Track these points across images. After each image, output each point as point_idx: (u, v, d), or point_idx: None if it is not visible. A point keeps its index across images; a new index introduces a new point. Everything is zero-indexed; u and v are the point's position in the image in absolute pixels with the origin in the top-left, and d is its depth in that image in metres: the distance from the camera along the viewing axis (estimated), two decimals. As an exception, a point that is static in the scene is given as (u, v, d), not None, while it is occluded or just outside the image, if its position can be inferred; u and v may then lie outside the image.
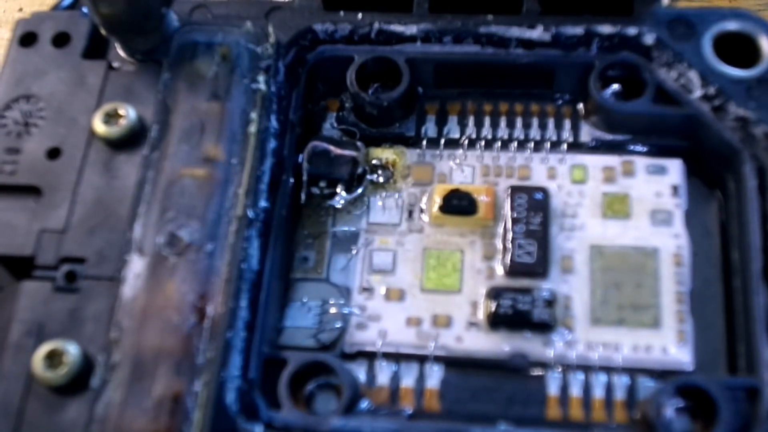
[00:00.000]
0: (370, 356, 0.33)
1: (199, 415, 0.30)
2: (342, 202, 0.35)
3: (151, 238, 0.32)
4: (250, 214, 0.33)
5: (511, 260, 0.34)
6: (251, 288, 0.33)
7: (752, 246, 0.33)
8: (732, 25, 0.34)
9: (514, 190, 0.35)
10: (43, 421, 0.30)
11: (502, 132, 0.36)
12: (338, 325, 0.34)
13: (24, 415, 0.30)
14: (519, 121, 0.37)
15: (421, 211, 0.35)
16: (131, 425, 0.30)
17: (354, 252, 0.35)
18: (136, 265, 0.32)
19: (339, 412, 0.31)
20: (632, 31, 0.35)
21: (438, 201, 0.35)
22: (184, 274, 0.32)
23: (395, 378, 0.33)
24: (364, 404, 0.32)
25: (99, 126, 0.34)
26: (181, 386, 0.30)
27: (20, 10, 0.51)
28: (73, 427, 0.30)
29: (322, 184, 0.35)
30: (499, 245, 0.34)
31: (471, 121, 0.37)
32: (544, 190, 0.35)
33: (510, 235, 0.34)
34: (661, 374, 0.32)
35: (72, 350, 0.31)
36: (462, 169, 0.36)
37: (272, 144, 0.34)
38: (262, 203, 0.34)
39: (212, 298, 0.32)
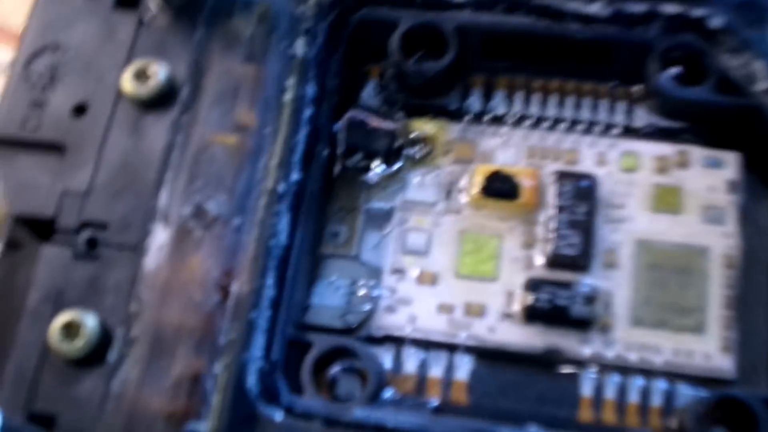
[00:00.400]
0: (398, 341, 0.32)
1: (218, 397, 0.29)
2: (378, 176, 0.34)
3: (177, 208, 0.31)
4: (282, 187, 0.31)
5: (552, 251, 0.32)
6: (279, 265, 0.31)
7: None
8: (807, 15, 0.32)
9: (561, 176, 0.33)
10: (57, 393, 0.29)
11: (552, 111, 0.34)
12: (367, 306, 0.32)
13: (38, 385, 0.29)
14: (570, 101, 0.34)
15: (461, 191, 0.33)
16: (148, 404, 0.29)
17: (387, 230, 0.33)
18: (160, 236, 0.31)
19: (362, 402, 0.30)
20: (698, 12, 0.33)
21: (479, 182, 0.33)
22: (209, 248, 0.30)
23: (423, 366, 0.32)
24: (388, 393, 0.31)
25: (128, 84, 0.32)
26: (200, 367, 0.29)
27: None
28: (87, 401, 0.29)
29: (358, 156, 0.33)
30: (541, 234, 0.32)
31: (519, 97, 0.35)
32: (591, 178, 0.33)
33: (553, 224, 0.32)
34: (701, 381, 0.31)
35: (90, 322, 0.30)
36: (506, 149, 0.34)
37: (308, 112, 0.33)
38: (295, 175, 0.32)
39: (237, 276, 0.30)
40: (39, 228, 0.31)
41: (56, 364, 0.30)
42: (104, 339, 0.30)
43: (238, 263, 0.30)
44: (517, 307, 0.32)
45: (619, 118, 0.34)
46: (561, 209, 0.32)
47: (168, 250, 0.30)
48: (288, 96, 0.32)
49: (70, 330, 0.30)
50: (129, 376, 0.29)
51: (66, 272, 0.31)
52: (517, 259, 0.32)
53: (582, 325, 0.31)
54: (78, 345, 0.29)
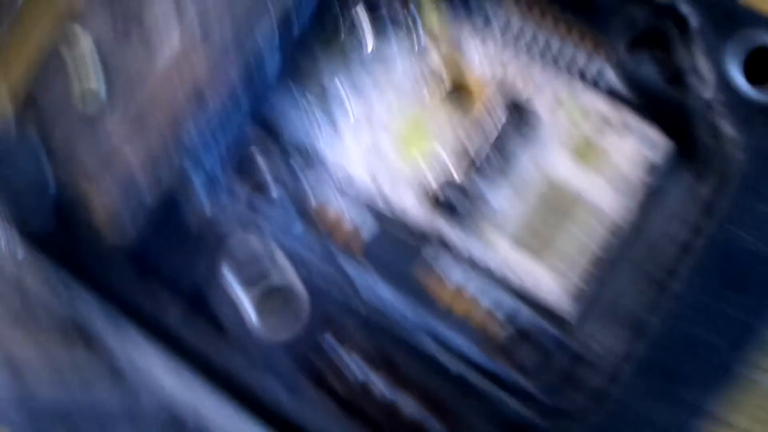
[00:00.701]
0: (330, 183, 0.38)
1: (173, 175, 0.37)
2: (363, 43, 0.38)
3: (185, 16, 0.37)
4: (276, 26, 0.37)
5: (472, 160, 0.37)
6: (253, 80, 0.37)
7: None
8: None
9: (510, 104, 0.37)
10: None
11: (536, 42, 0.37)
12: (319, 140, 0.38)
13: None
14: (557, 36, 0.37)
15: (427, 78, 0.38)
16: (122, 154, 0.37)
17: (347, 87, 0.38)
18: (170, 35, 0.37)
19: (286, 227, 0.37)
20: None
21: (445, 79, 0.38)
22: (199, 56, 0.37)
23: (340, 213, 0.38)
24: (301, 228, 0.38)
25: None
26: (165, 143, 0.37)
27: None
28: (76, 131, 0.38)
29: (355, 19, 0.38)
30: (473, 143, 0.37)
31: (515, 17, 0.38)
32: (534, 114, 0.37)
33: (484, 139, 0.37)
34: (544, 313, 0.36)
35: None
36: (483, 58, 0.38)
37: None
38: (293, 18, 0.37)
39: (215, 85, 0.37)
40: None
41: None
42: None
43: (219, 75, 0.37)
44: (426, 193, 0.37)
45: (593, 68, 0.37)
46: (496, 131, 0.37)
47: (170, 50, 0.37)
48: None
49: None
50: (108, 128, 0.37)
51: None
52: (446, 157, 0.37)
53: (471, 227, 0.36)
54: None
